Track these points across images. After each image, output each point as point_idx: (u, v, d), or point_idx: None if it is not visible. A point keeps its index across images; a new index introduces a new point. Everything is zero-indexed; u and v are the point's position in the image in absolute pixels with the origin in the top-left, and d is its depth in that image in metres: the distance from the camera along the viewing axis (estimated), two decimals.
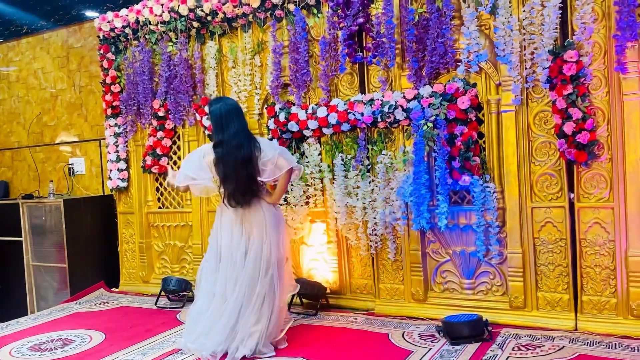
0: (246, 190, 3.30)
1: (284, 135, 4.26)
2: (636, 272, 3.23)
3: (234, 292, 3.30)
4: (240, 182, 3.27)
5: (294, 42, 4.16)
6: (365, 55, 3.92)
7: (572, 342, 3.16)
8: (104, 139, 5.43)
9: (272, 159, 3.30)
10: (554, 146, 3.42)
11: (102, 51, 5.23)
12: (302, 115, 4.12)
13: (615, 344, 3.09)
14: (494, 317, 3.55)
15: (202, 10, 4.52)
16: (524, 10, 3.40)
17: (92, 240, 5.47)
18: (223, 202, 3.36)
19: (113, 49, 5.19)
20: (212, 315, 3.33)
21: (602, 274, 3.34)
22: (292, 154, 4.25)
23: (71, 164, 6.14)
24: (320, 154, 4.20)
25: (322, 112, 4.02)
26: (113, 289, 5.35)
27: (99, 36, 5.25)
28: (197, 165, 3.41)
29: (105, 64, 5.21)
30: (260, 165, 3.31)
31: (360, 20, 3.77)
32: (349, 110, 3.91)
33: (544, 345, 3.14)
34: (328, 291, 4.21)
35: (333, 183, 4.10)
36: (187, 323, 3.49)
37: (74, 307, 4.75)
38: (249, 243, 3.34)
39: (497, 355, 3.05)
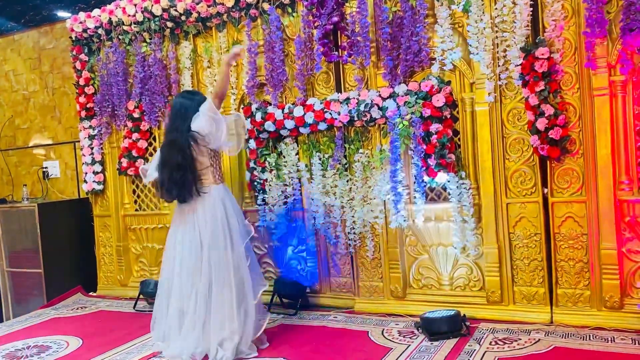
0: (181, 187, 3.21)
1: (260, 135, 4.25)
2: (609, 264, 3.29)
3: (197, 290, 3.22)
4: (171, 178, 3.22)
5: (269, 42, 4.15)
6: (340, 54, 3.92)
7: (547, 335, 3.21)
8: (79, 141, 5.35)
9: (211, 131, 3.20)
10: (527, 142, 3.46)
11: (74, 52, 5.15)
12: (278, 114, 4.11)
13: (590, 336, 3.15)
14: (472, 312, 3.59)
15: (175, 10, 4.48)
16: (496, 8, 3.44)
17: (68, 245, 5.38)
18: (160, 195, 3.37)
19: (86, 50, 5.12)
20: (179, 315, 3.29)
21: (576, 267, 3.40)
22: (270, 154, 4.26)
23: (45, 168, 6.03)
24: (297, 153, 4.20)
25: (298, 111, 4.01)
26: (91, 294, 5.28)
27: (71, 37, 5.17)
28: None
29: (78, 65, 5.14)
30: (212, 145, 3.26)
31: (335, 19, 3.78)
32: (325, 110, 3.92)
33: (520, 339, 3.18)
34: (307, 290, 4.22)
35: (311, 182, 4.10)
36: (157, 325, 3.45)
37: (50, 313, 4.68)
38: (204, 236, 3.24)
39: (474, 350, 3.08)
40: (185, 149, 3.20)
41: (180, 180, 3.21)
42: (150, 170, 3.46)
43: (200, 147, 3.24)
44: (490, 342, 3.18)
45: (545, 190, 3.46)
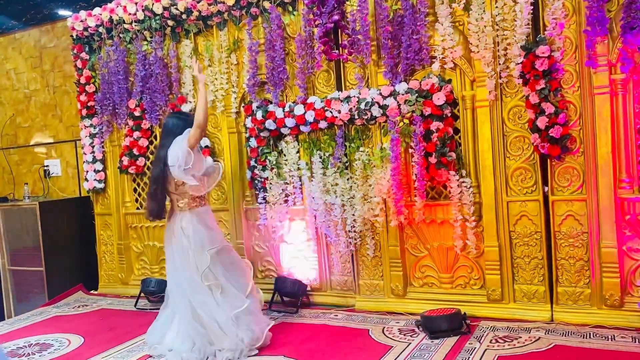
0: (154, 205, 3.39)
1: (261, 134, 4.25)
2: (609, 263, 3.29)
3: (178, 304, 3.37)
4: (149, 191, 3.44)
5: (270, 40, 4.15)
6: (341, 53, 3.92)
7: (548, 333, 3.22)
8: (80, 139, 5.36)
9: (174, 164, 3.25)
10: (528, 140, 3.46)
11: (75, 51, 5.15)
12: (279, 113, 4.11)
13: (590, 334, 3.16)
14: (472, 311, 3.59)
15: (176, 9, 4.48)
16: (496, 7, 3.44)
17: (70, 243, 5.39)
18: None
19: (87, 49, 5.12)
20: (169, 326, 3.42)
21: (576, 266, 3.41)
22: (271, 152, 4.26)
23: (46, 166, 6.03)
24: (298, 151, 4.20)
25: (299, 110, 4.01)
26: (92, 292, 5.29)
27: (72, 36, 5.17)
28: None
29: (79, 63, 5.14)
30: (173, 175, 3.29)
31: (336, 17, 3.77)
32: (326, 108, 3.92)
33: (520, 337, 3.19)
34: (308, 289, 4.23)
35: (311, 181, 4.10)
36: (153, 333, 3.52)
37: (52, 311, 4.69)
38: (176, 255, 3.36)
39: (475, 348, 3.09)
40: (164, 166, 3.30)
41: (154, 193, 3.36)
42: None
43: (168, 174, 3.32)
44: (491, 340, 3.19)
45: (546, 189, 3.47)
